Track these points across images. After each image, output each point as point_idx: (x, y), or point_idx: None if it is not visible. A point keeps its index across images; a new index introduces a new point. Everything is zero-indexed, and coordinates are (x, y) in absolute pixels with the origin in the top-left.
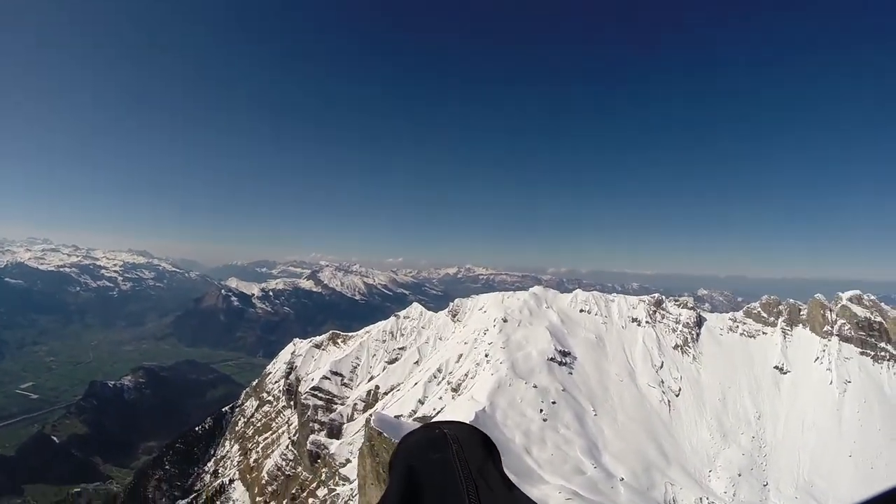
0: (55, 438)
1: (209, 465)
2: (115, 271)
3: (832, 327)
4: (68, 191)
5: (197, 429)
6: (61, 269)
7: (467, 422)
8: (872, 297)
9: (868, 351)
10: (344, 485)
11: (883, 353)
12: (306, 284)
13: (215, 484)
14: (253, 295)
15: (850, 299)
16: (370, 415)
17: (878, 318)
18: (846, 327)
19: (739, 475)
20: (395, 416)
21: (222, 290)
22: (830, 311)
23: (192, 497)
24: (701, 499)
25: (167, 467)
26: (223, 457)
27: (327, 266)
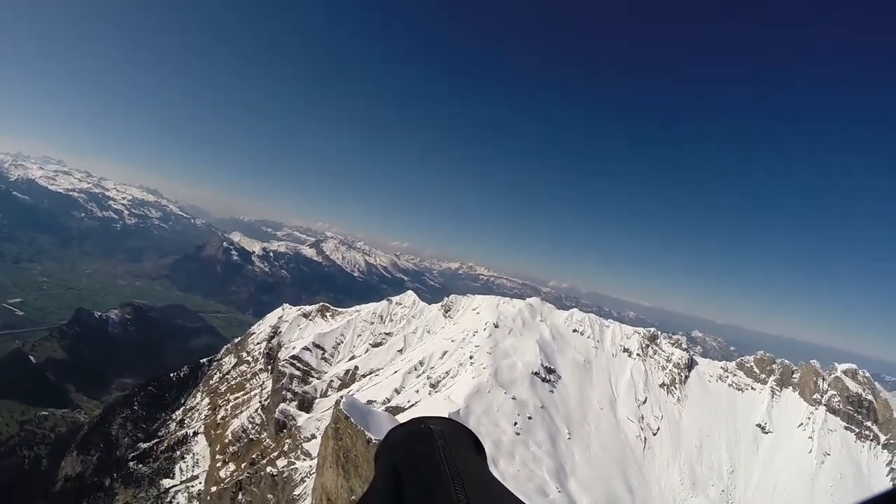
0: (32, 358)
1: (177, 413)
2: (122, 204)
3: (822, 396)
4: (91, 117)
5: (172, 375)
6: (70, 193)
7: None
8: (867, 374)
9: (853, 427)
10: (304, 460)
11: (867, 433)
12: (308, 252)
13: (179, 433)
14: (254, 252)
15: (844, 372)
16: (342, 397)
17: (870, 397)
18: (836, 399)
19: None
20: (368, 402)
21: (224, 243)
22: (823, 379)
23: (153, 442)
24: None
25: (136, 408)
26: (192, 408)
27: (332, 238)
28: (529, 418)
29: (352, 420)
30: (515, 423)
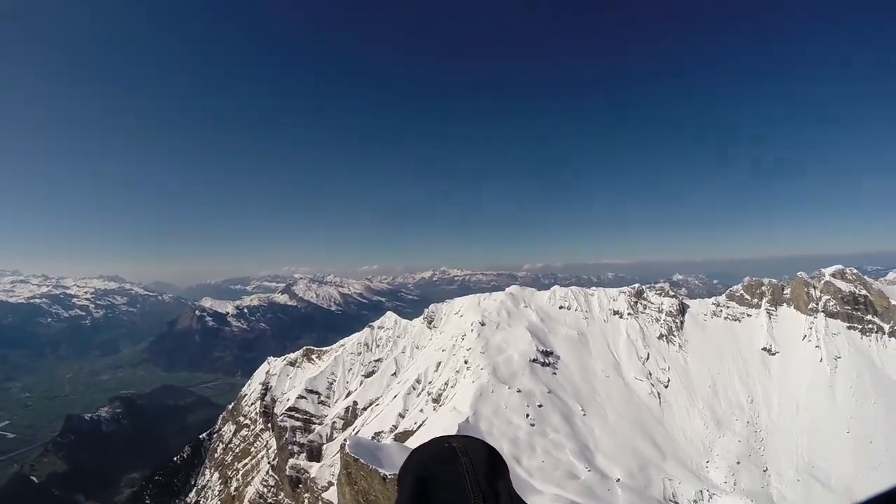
0: (34, 478)
1: (191, 496)
2: (86, 299)
3: (817, 304)
4: (37, 219)
5: (175, 459)
6: (31, 301)
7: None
8: (855, 271)
9: (855, 325)
10: None
11: (870, 326)
12: (281, 299)
13: None
14: (228, 313)
15: (833, 275)
16: (346, 439)
17: (863, 292)
18: (831, 303)
19: (738, 463)
20: (375, 434)
21: (196, 311)
22: (814, 288)
23: None
24: (701, 491)
25: (148, 502)
26: (204, 487)
27: (301, 279)
28: (540, 406)
29: (361, 461)
30: (528, 416)
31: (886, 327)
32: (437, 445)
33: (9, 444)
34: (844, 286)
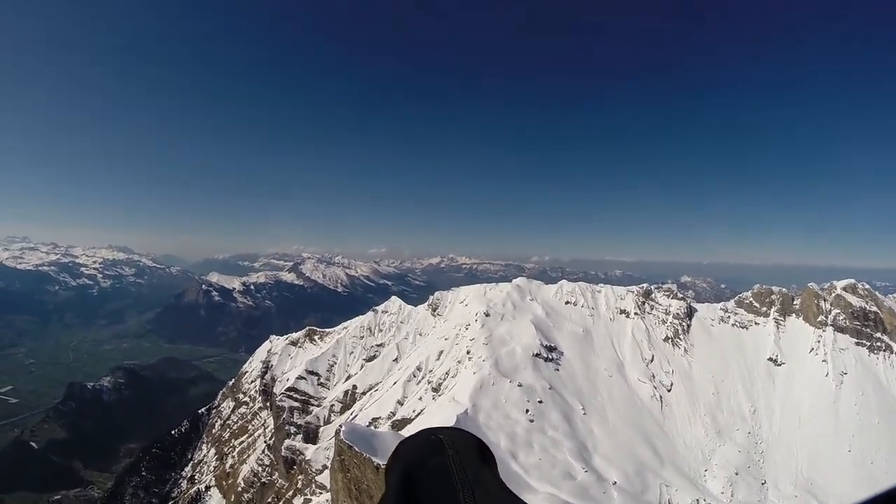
0: (34, 444)
1: (186, 469)
2: (94, 269)
3: (826, 317)
4: (49, 187)
5: (173, 432)
6: (40, 269)
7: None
8: (867, 286)
9: (863, 341)
10: (320, 494)
11: (879, 344)
12: (288, 277)
13: (191, 491)
14: (234, 289)
15: (844, 288)
16: (341, 425)
17: (874, 308)
18: (841, 317)
19: (736, 474)
20: (373, 420)
21: (203, 285)
22: (824, 300)
23: None
24: (697, 500)
25: (144, 473)
26: (200, 461)
27: (309, 258)
28: (540, 402)
29: (356, 448)
30: (527, 411)
31: (895, 346)
32: (425, 437)
33: (10, 409)
34: (855, 301)
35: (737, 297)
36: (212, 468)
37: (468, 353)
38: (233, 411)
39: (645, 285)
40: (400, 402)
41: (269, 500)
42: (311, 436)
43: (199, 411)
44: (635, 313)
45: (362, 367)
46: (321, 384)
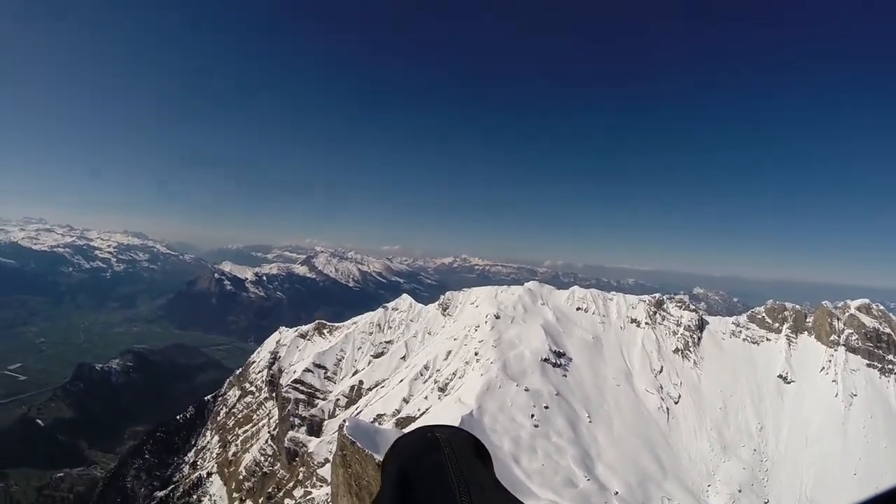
0: (40, 422)
1: (189, 455)
2: (108, 252)
3: (839, 337)
4: (67, 170)
5: (179, 417)
6: (55, 250)
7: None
8: (881, 307)
9: (875, 363)
10: (321, 487)
11: (890, 367)
12: (300, 270)
13: (193, 476)
14: (246, 279)
15: (858, 308)
16: (345, 420)
17: (887, 330)
18: (854, 337)
19: (740, 491)
20: (377, 416)
21: (216, 274)
22: (838, 319)
23: (169, 488)
24: None
25: (147, 456)
26: (203, 448)
27: (322, 252)
28: (546, 408)
29: (358, 444)
30: (532, 416)
31: None
32: (421, 435)
33: (19, 386)
34: (869, 321)
35: (749, 312)
36: (214, 455)
37: (476, 354)
38: (238, 400)
39: (657, 295)
40: (405, 400)
41: (270, 489)
42: (315, 429)
43: (206, 398)
44: (646, 323)
45: (370, 363)
46: (328, 378)
